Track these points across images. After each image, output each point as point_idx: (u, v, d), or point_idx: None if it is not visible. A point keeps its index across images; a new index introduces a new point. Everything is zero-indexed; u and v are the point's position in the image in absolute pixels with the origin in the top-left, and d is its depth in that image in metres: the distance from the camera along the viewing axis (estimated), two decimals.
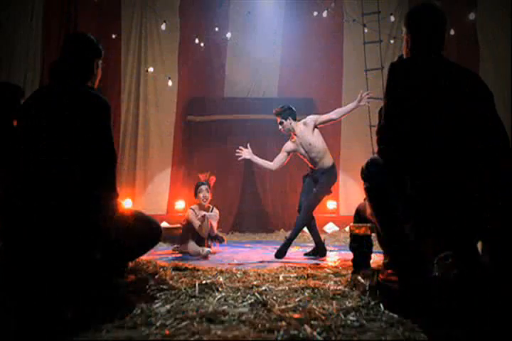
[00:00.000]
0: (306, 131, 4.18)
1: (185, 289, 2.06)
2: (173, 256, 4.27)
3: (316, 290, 2.10)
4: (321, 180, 4.16)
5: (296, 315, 1.57)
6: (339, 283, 2.33)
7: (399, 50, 6.93)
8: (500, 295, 1.60)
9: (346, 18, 7.18)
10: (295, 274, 2.70)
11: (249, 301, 1.83)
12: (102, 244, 1.92)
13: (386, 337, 1.38)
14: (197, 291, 2.04)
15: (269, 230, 7.16)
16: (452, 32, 5.97)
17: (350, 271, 2.57)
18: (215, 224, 4.43)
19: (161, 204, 7.38)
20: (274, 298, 1.93)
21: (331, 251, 4.69)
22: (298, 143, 4.23)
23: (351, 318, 1.57)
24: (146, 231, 2.11)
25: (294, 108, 4.28)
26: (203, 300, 1.90)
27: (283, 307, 1.71)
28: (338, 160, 7.16)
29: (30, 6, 6.54)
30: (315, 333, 1.38)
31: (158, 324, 1.49)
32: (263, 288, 2.16)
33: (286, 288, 2.19)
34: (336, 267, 3.12)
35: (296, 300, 1.86)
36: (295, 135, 4.25)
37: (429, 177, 1.71)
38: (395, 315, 1.60)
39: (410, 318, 1.55)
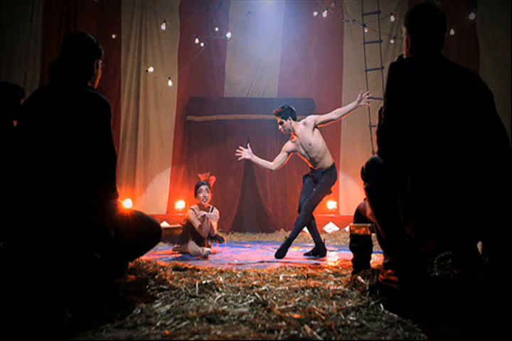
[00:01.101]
0: (306, 131, 4.18)
1: (185, 289, 2.06)
2: (173, 256, 4.27)
3: (316, 290, 2.10)
4: (321, 180, 4.16)
5: (296, 315, 1.57)
6: (339, 283, 2.33)
7: (399, 50, 6.95)
8: (500, 295, 1.60)
9: (346, 18, 7.18)
10: (295, 274, 2.70)
11: (249, 301, 1.82)
12: (102, 244, 1.92)
13: (386, 337, 1.38)
14: (197, 291, 2.04)
15: (269, 230, 7.16)
16: (452, 32, 5.98)
17: (350, 271, 2.57)
18: (215, 224, 4.43)
19: (161, 204, 7.38)
20: (274, 298, 1.93)
21: (331, 251, 4.69)
22: (298, 143, 4.23)
23: (351, 318, 1.57)
24: (146, 231, 2.11)
25: (294, 108, 4.28)
26: (203, 300, 1.90)
27: (283, 307, 1.71)
28: (338, 160, 7.16)
29: (30, 6, 6.53)
30: (315, 333, 1.38)
31: (158, 324, 1.49)
32: (263, 288, 2.16)
33: (286, 288, 2.19)
34: (336, 267, 3.12)
35: (296, 300, 1.86)
36: (295, 135, 4.25)
37: (429, 178, 1.71)
38: (395, 315, 1.60)
39: (410, 318, 1.55)
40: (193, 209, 4.48)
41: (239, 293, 2.01)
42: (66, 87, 2.00)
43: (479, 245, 1.94)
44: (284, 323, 1.48)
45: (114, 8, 7.41)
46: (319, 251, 4.20)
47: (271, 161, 4.35)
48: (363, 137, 6.89)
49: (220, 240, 4.55)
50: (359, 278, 2.13)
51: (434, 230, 1.73)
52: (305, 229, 4.38)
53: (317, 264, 3.50)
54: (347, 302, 1.81)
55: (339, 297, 1.96)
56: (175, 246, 4.46)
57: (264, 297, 1.87)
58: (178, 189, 7.44)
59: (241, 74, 7.75)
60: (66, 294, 1.67)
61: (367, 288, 1.95)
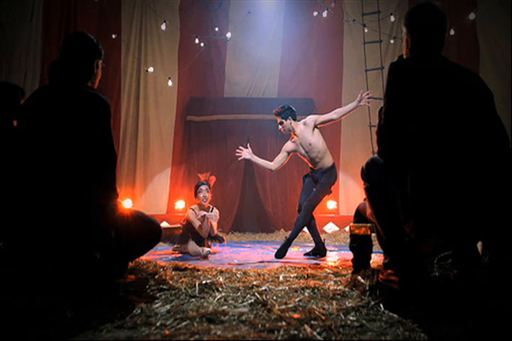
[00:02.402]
0: (306, 131, 4.18)
1: (185, 289, 2.06)
2: (173, 256, 4.27)
3: (316, 290, 2.10)
4: (321, 180, 4.16)
5: (296, 315, 1.57)
6: (339, 283, 2.33)
7: (399, 50, 6.95)
8: (500, 295, 1.60)
9: (346, 18, 7.18)
10: (295, 274, 2.70)
11: (249, 301, 1.82)
12: (102, 244, 1.92)
13: (386, 337, 1.38)
14: (197, 291, 2.04)
15: (269, 230, 7.16)
16: (452, 32, 5.98)
17: (350, 271, 2.57)
18: (215, 224, 4.43)
19: (161, 204, 7.38)
20: (274, 298, 1.93)
21: (331, 251, 4.69)
22: (298, 143, 4.23)
23: (351, 318, 1.57)
24: (146, 231, 2.11)
25: (294, 108, 4.28)
26: (203, 300, 1.90)
27: (283, 307, 1.71)
28: (338, 160, 7.16)
29: (30, 6, 6.53)
30: (315, 333, 1.38)
31: (158, 324, 1.49)
32: (263, 288, 2.16)
33: (286, 288, 2.19)
34: (336, 267, 3.12)
35: (296, 300, 1.86)
36: (295, 135, 4.25)
37: (430, 178, 1.71)
38: (395, 315, 1.59)
39: (410, 318, 1.55)
40: (193, 209, 4.48)
41: (239, 293, 2.01)
42: (66, 87, 2.00)
43: (479, 245, 1.94)
44: (284, 323, 1.48)
45: (114, 8, 7.41)
46: (319, 251, 4.20)
47: (271, 161, 4.35)
48: (363, 137, 6.89)
49: (220, 240, 4.55)
50: (359, 278, 2.13)
51: (434, 230, 1.73)
52: (305, 229, 4.38)
53: (317, 264, 3.50)
54: (347, 302, 1.81)
55: (339, 297, 1.96)
56: (175, 246, 4.46)
57: (264, 297, 1.87)
58: (178, 189, 7.43)
59: (241, 74, 7.75)
60: (66, 294, 1.67)
61: (367, 288, 1.94)
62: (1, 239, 1.97)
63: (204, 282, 2.17)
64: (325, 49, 7.54)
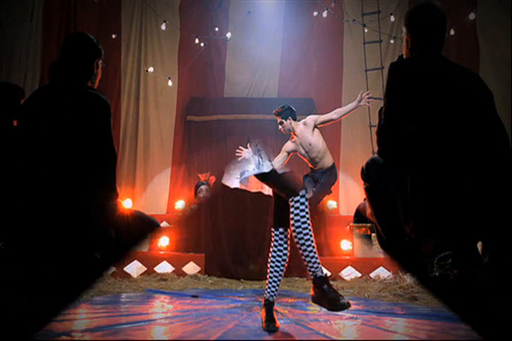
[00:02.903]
0: (306, 131, 4.18)
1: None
2: None
3: None
4: (321, 180, 4.16)
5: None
6: None
7: (399, 50, 6.93)
8: (500, 295, 1.60)
9: (346, 18, 7.17)
10: None
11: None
12: (102, 244, 1.92)
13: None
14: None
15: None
16: (452, 32, 5.97)
17: None
18: None
19: (161, 204, 7.36)
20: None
21: None
22: (298, 143, 4.23)
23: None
24: (146, 231, 2.11)
25: (294, 108, 4.28)
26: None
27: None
28: (338, 160, 7.14)
29: (30, 6, 6.52)
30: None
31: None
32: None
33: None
34: None
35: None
36: (295, 135, 4.25)
37: (430, 178, 1.71)
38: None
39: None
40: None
41: None
42: (66, 87, 2.00)
43: (479, 245, 1.94)
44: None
45: (114, 8, 7.39)
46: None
47: None
48: (363, 137, 6.87)
49: None
50: None
51: (434, 230, 1.73)
52: None
53: None
54: None
55: None
56: None
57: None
58: (178, 189, 7.42)
59: (241, 74, 7.74)
60: (66, 294, 1.67)
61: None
62: (1, 239, 1.97)
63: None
64: (325, 49, 7.52)
